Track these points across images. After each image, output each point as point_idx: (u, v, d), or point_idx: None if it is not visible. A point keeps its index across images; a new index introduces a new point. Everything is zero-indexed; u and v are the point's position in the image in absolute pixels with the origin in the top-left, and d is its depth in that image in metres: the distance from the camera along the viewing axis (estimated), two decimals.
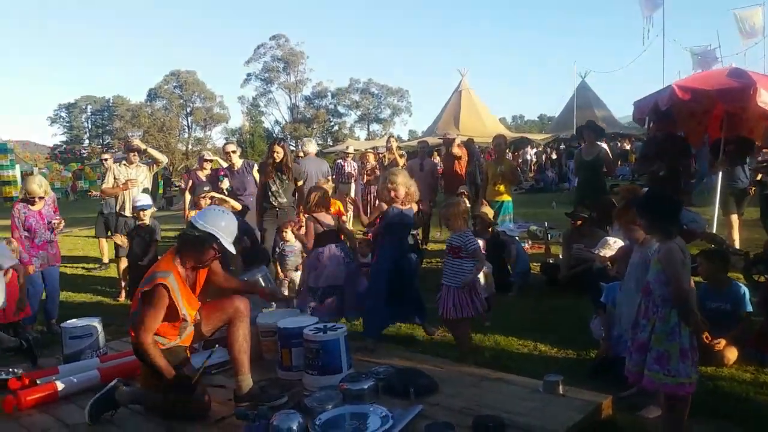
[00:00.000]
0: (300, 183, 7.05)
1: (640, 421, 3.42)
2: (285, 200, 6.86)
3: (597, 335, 4.62)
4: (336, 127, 61.15)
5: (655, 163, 7.07)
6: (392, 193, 4.82)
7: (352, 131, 60.77)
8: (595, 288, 4.61)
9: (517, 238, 7.43)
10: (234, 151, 7.38)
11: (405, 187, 4.84)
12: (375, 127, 61.82)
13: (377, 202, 10.16)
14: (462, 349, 4.52)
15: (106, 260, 9.66)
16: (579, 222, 6.40)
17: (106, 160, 9.48)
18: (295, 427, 3.21)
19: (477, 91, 33.19)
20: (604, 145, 8.52)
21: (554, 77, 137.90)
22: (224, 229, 3.63)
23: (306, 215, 5.35)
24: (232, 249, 3.67)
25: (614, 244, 4.45)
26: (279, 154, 6.74)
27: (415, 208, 5.03)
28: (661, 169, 6.94)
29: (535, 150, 29.66)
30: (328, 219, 5.19)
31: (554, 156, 28.40)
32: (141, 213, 6.56)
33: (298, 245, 6.22)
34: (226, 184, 7.36)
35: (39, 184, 6.08)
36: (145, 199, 6.74)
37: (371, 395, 3.61)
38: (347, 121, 62.46)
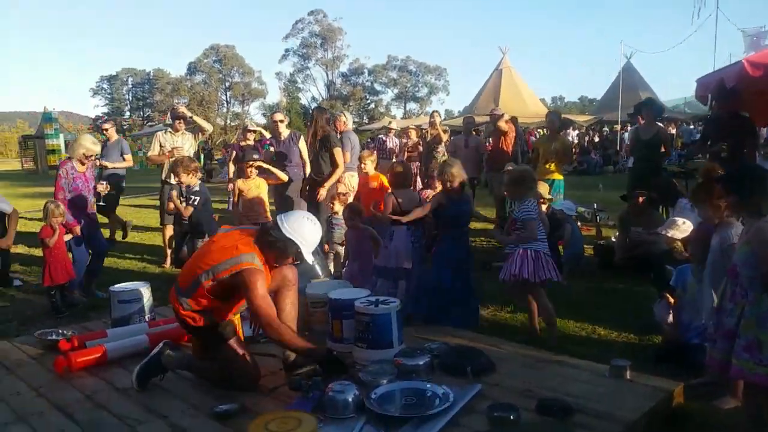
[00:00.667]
0: (347, 153, 6.94)
1: (714, 411, 3.22)
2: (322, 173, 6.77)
3: (660, 320, 4.39)
4: (372, 105, 60.91)
5: (717, 143, 6.75)
6: (448, 185, 4.70)
7: (389, 109, 60.50)
8: (660, 271, 4.38)
9: (574, 217, 7.16)
10: (282, 120, 7.23)
11: (460, 179, 4.73)
12: (411, 105, 61.42)
13: (417, 179, 10.04)
14: (542, 316, 4.43)
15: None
16: (639, 200, 6.11)
17: (106, 130, 8.87)
18: (350, 399, 3.10)
19: (518, 70, 32.51)
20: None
21: (596, 58, 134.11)
22: (307, 238, 3.47)
23: (388, 190, 5.16)
24: (310, 259, 3.52)
25: (683, 225, 4.20)
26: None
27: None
28: (723, 150, 6.61)
29: (577, 132, 28.96)
30: (405, 198, 4.99)
31: (597, 138, 27.75)
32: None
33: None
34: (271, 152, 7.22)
35: (94, 142, 6.03)
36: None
37: (427, 372, 3.47)
38: (384, 99, 62.21)
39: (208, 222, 6.30)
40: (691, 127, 25.91)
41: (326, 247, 6.26)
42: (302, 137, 7.24)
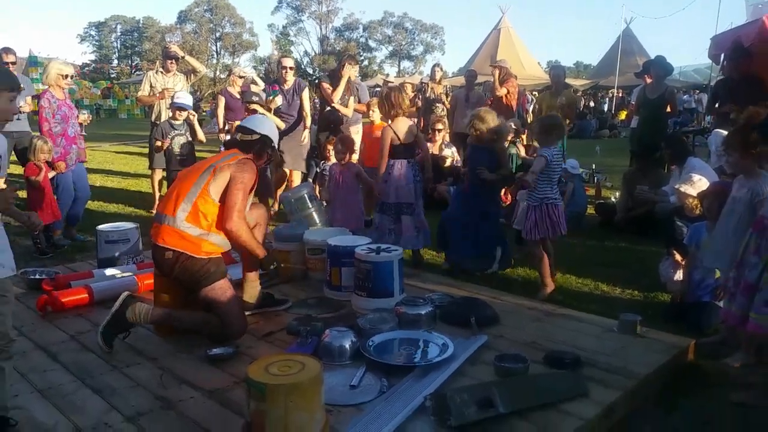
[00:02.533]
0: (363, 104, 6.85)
1: (725, 369, 3.11)
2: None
3: (665, 278, 4.27)
4: (366, 62, 59.84)
5: (726, 104, 6.55)
6: (477, 132, 4.51)
7: (382, 67, 59.53)
8: (669, 227, 4.25)
9: (582, 176, 7.00)
10: (291, 68, 6.79)
11: (486, 127, 4.50)
12: (406, 63, 60.50)
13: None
14: (541, 276, 4.31)
15: None
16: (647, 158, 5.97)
17: (12, 63, 6.81)
18: (347, 346, 2.99)
19: (517, 31, 31.91)
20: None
21: (593, 23, 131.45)
22: (274, 132, 3.65)
23: (386, 122, 4.85)
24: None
25: (699, 181, 4.04)
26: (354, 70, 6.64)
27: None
28: (731, 111, 6.42)
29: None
30: (405, 129, 4.73)
31: (592, 103, 27.46)
32: (178, 112, 6.20)
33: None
34: (279, 101, 6.65)
35: (64, 62, 5.77)
36: (186, 98, 6.34)
37: (428, 321, 3.35)
38: (377, 56, 61.20)
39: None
40: (686, 96, 25.62)
41: (318, 195, 6.05)
42: (306, 88, 6.86)
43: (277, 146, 3.70)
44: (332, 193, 5.11)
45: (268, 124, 3.64)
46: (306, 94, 6.71)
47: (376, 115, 5.95)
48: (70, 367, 2.94)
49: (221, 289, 3.22)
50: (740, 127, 3.02)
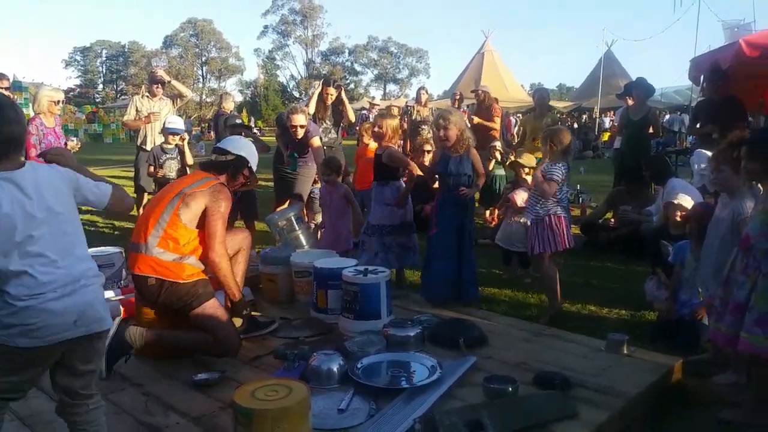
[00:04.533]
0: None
1: (712, 388, 3.12)
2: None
3: (651, 297, 4.30)
4: (352, 86, 60.39)
5: (707, 125, 6.66)
6: (441, 132, 4.18)
7: (368, 90, 60.13)
8: (655, 247, 4.28)
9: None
10: (302, 126, 5.58)
11: (458, 129, 4.17)
12: (391, 87, 61.14)
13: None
14: (548, 295, 4.28)
15: None
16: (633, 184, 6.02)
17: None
18: (335, 369, 2.96)
19: (500, 53, 32.46)
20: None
21: (575, 47, 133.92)
22: (252, 153, 3.60)
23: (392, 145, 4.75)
24: (255, 165, 3.62)
25: (683, 199, 4.09)
26: (332, 96, 6.37)
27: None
28: (713, 131, 6.53)
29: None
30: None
31: (575, 125, 27.83)
32: (171, 137, 6.19)
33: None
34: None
35: (54, 89, 5.80)
36: (178, 122, 6.34)
37: (417, 343, 3.34)
38: (363, 80, 61.82)
39: None
40: (671, 115, 26.03)
41: (306, 217, 6.02)
42: (317, 137, 5.77)
43: (255, 168, 3.63)
44: (325, 214, 5.13)
45: (246, 145, 3.61)
46: (316, 140, 5.72)
47: (368, 138, 6.01)
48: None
49: (212, 308, 3.23)
50: (731, 144, 3.02)
